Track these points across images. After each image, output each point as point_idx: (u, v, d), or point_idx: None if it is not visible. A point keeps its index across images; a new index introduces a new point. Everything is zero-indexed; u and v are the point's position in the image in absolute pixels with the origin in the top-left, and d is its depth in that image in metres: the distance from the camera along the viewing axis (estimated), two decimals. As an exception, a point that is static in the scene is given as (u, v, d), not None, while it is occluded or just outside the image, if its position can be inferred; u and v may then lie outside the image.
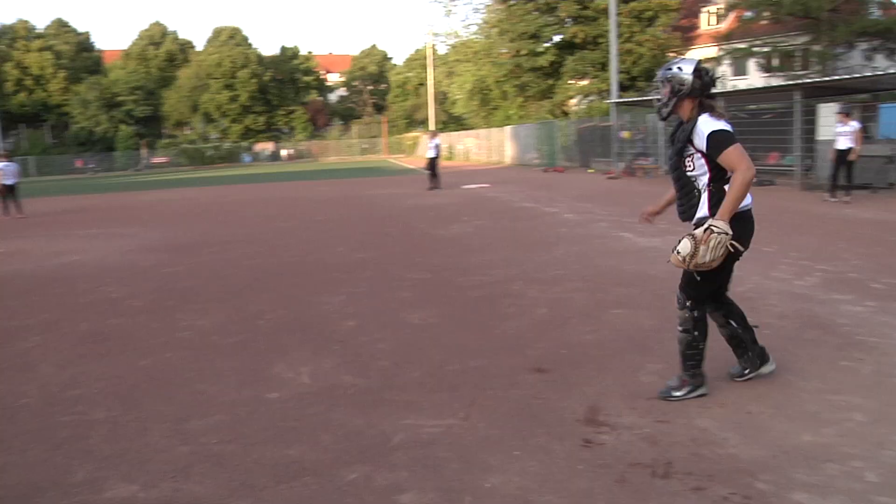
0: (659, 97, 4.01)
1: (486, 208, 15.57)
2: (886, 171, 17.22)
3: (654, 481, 3.08)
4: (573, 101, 41.89)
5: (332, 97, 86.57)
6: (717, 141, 3.70)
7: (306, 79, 77.86)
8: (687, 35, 41.28)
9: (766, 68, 35.58)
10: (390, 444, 3.57)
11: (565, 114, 40.21)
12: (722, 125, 3.73)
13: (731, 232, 3.65)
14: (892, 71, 20.12)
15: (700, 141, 3.75)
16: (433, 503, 3.00)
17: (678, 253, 3.82)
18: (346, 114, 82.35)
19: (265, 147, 72.13)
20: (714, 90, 3.91)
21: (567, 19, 37.60)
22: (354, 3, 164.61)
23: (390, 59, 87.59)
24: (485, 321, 5.93)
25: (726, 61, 36.59)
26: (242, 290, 7.63)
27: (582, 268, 8.22)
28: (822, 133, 18.67)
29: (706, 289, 4.00)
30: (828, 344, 4.92)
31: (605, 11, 34.92)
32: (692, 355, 4.01)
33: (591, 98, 39.53)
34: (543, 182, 24.14)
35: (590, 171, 30.10)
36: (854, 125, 14.81)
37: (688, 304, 4.00)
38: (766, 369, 4.26)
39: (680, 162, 3.93)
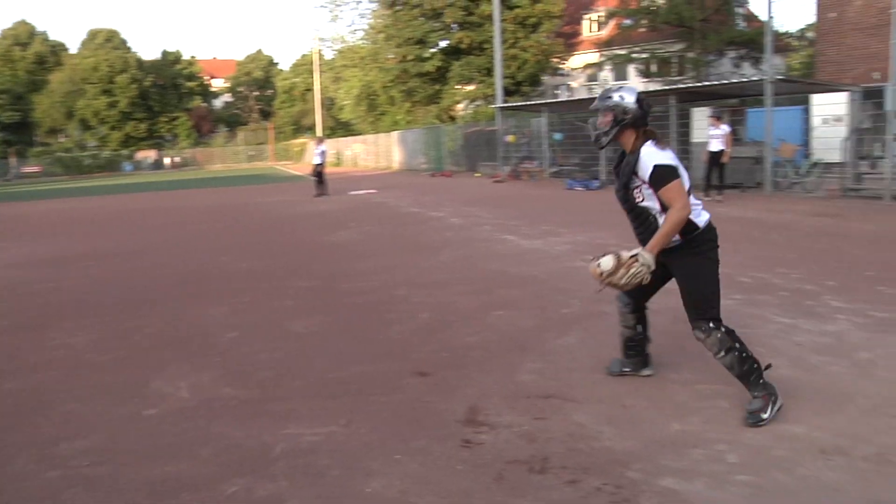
0: (597, 127, 3.96)
1: (372, 214, 15.57)
2: (754, 171, 18.18)
3: (531, 477, 3.17)
4: (460, 106, 42.35)
5: (217, 103, 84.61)
6: (660, 175, 3.70)
7: (190, 84, 75.66)
8: (569, 41, 42.39)
9: (645, 74, 37.03)
10: (271, 455, 3.53)
11: (452, 119, 40.61)
12: (667, 159, 3.75)
13: (653, 266, 3.71)
14: (756, 78, 21.25)
15: (644, 173, 3.75)
16: (313, 512, 2.99)
17: (598, 266, 3.84)
18: (232, 120, 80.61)
19: (147, 155, 69.51)
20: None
21: (453, 25, 37.99)
22: (239, 8, 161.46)
23: (276, 64, 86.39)
24: (369, 327, 5.93)
25: (607, 67, 37.87)
26: (120, 304, 7.36)
27: (466, 271, 8.33)
28: (696, 136, 19.56)
29: (717, 302, 3.90)
30: (697, 337, 5.15)
31: (490, 17, 35.49)
32: (749, 368, 3.80)
33: (477, 103, 40.06)
34: (431, 187, 24.32)
35: (476, 175, 30.50)
36: (725, 128, 15.57)
37: (711, 325, 3.82)
38: (645, 372, 4.41)
39: (628, 194, 3.91)
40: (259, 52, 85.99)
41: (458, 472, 3.25)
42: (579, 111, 26.03)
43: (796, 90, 22.29)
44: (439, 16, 38.67)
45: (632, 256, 3.75)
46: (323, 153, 21.66)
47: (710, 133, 15.98)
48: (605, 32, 39.32)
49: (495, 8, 28.55)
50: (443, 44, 39.57)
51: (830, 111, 21.09)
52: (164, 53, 74.56)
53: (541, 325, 5.76)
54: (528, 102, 28.02)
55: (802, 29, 43.95)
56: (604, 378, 4.41)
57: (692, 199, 3.78)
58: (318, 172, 21.37)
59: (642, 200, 3.86)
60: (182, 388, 4.58)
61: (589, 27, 44.09)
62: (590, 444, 3.49)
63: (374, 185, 25.83)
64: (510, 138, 27.76)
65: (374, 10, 52.84)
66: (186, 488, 3.23)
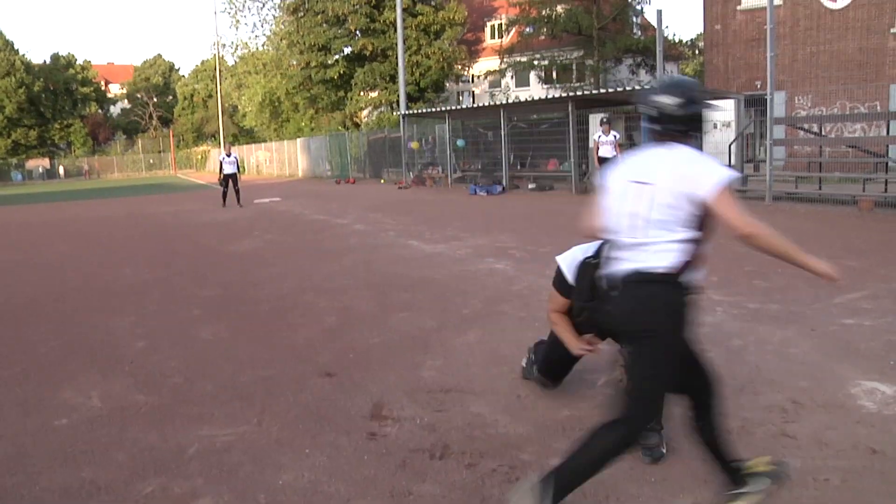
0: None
1: (277, 222, 15.60)
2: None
3: (433, 462, 3.44)
4: (364, 113, 42.44)
5: (114, 110, 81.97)
6: None
7: (84, 90, 72.48)
8: (472, 48, 43.02)
9: (546, 80, 37.98)
10: (185, 456, 3.68)
11: (356, 125, 40.67)
12: None
13: None
14: (648, 86, 22.20)
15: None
16: (227, 504, 3.17)
17: None
18: (130, 127, 78.06)
19: (39, 164, 66.53)
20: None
21: (356, 32, 38.06)
22: (135, 12, 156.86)
23: (177, 69, 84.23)
24: (275, 332, 6.09)
25: (509, 73, 38.66)
26: (22, 317, 7.28)
27: (370, 276, 8.56)
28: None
29: None
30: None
31: (393, 25, 35.77)
32: None
33: (381, 109, 40.24)
34: (335, 194, 24.41)
35: (381, 181, 30.72)
36: (615, 135, 16.26)
37: None
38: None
39: None
40: (158, 56, 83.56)
41: (365, 461, 3.49)
42: (482, 118, 26.61)
43: (687, 97, 23.28)
44: (343, 22, 38.66)
45: None
46: (235, 161, 20.64)
47: (600, 139, 16.65)
48: (507, 40, 40.10)
49: (398, 16, 28.85)
50: (346, 50, 39.60)
51: (720, 117, 22.21)
52: (56, 57, 71.07)
53: (442, 324, 6.05)
54: (432, 110, 28.38)
55: (694, 39, 46.02)
56: (501, 372, 4.72)
57: None
58: (226, 181, 20.21)
59: None
60: (93, 397, 4.65)
61: (491, 34, 44.83)
62: (486, 431, 3.78)
63: (278, 194, 25.71)
64: (414, 145, 28.09)
65: (276, 16, 52.54)
66: (102, 491, 3.35)
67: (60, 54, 71.70)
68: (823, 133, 19.98)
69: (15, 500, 3.33)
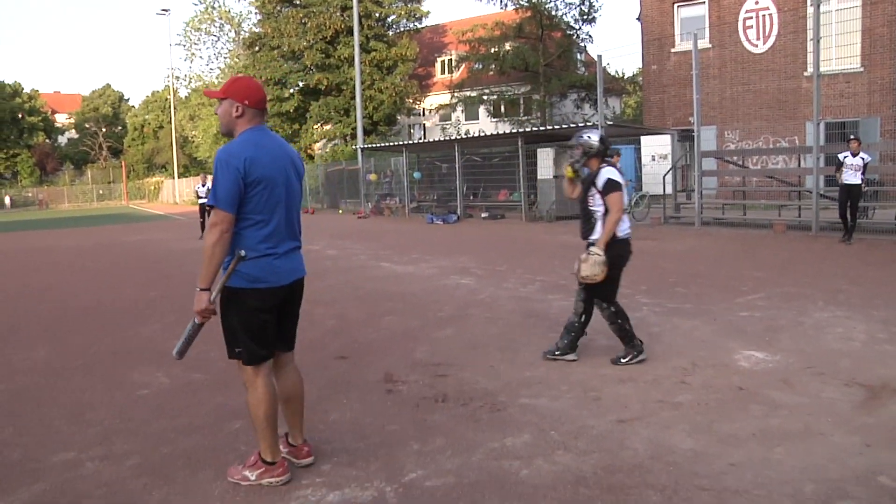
0: (572, 156, 5.72)
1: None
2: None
3: (437, 404, 4.84)
4: (318, 145, 43.73)
5: (62, 139, 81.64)
6: (609, 186, 5.45)
7: (31, 119, 72.06)
8: (423, 83, 44.76)
9: (495, 114, 39.82)
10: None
11: (311, 157, 41.94)
12: (617, 177, 5.51)
13: (603, 255, 5.41)
14: (591, 123, 24.05)
15: (599, 184, 5.49)
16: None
17: (575, 271, 5.58)
18: (79, 158, 77.82)
19: (-17, 194, 65.87)
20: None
21: (312, 67, 39.44)
22: (83, 41, 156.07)
23: (126, 100, 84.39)
24: (290, 331, 7.41)
25: (459, 107, 40.43)
26: (59, 328, 8.43)
27: (353, 291, 9.92)
28: (542, 173, 21.99)
29: (608, 291, 5.57)
30: (542, 325, 7.05)
31: (347, 60, 37.33)
32: (626, 334, 5.59)
33: (335, 142, 41.58)
34: (300, 222, 25.58)
35: (339, 211, 32.02)
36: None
37: (603, 305, 5.60)
38: (569, 357, 5.76)
39: (585, 198, 5.63)
40: (107, 86, 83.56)
41: (388, 405, 4.88)
42: (437, 151, 28.21)
43: (626, 132, 25.29)
44: (298, 57, 40.07)
45: (586, 253, 5.49)
46: (209, 191, 20.88)
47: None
48: (457, 75, 41.89)
49: (356, 53, 30.38)
50: (301, 84, 40.95)
51: (657, 150, 24.22)
52: (1, 85, 70.10)
53: (423, 324, 7.46)
54: (390, 144, 29.94)
55: (635, 74, 48.50)
56: (476, 353, 6.14)
57: (624, 218, 5.54)
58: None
59: (592, 205, 5.60)
60: (159, 377, 5.92)
61: (441, 70, 46.59)
62: (471, 386, 5.19)
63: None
64: (372, 177, 29.54)
65: (231, 50, 53.77)
66: (198, 431, 4.64)
67: (6, 83, 71.15)
68: (751, 165, 22.02)
69: (139, 437, 4.57)
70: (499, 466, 3.81)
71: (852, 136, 13.40)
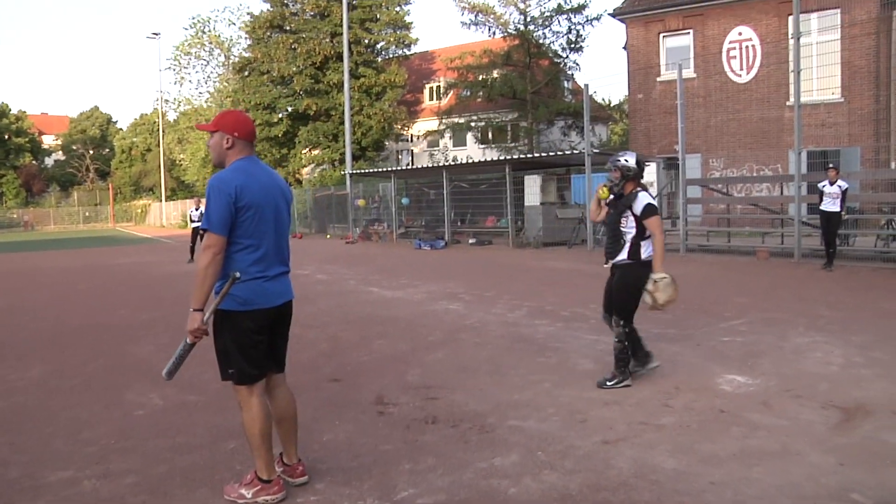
0: (610, 179, 5.91)
1: (243, 271, 16.84)
2: (578, 230, 20.94)
3: (428, 426, 4.97)
4: (306, 170, 43.91)
5: (49, 161, 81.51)
6: (648, 211, 5.62)
7: (18, 140, 72.10)
8: (412, 109, 45.10)
9: (482, 141, 40.19)
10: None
11: (299, 182, 42.09)
12: (654, 201, 5.74)
13: (667, 275, 5.59)
14: (577, 151, 24.37)
15: (637, 207, 5.66)
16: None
17: (648, 303, 5.71)
18: (66, 179, 77.75)
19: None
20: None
21: (301, 92, 39.69)
22: (71, 62, 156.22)
23: (114, 122, 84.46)
24: (282, 354, 7.53)
25: (447, 134, 40.76)
26: (55, 346, 8.51)
27: (344, 315, 10.04)
28: (529, 200, 22.24)
29: (629, 309, 5.77)
30: (530, 349, 7.20)
31: (336, 85, 37.61)
32: (623, 358, 5.77)
33: (323, 167, 41.76)
34: (288, 246, 25.67)
35: (327, 236, 32.15)
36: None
37: (621, 321, 5.76)
38: (651, 364, 5.97)
39: (618, 220, 5.81)
40: (95, 108, 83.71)
41: (380, 426, 5.01)
42: (425, 177, 28.45)
43: (612, 160, 25.49)
44: (288, 83, 40.34)
45: (653, 282, 5.62)
46: (202, 214, 20.42)
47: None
48: (445, 102, 42.25)
49: (346, 80, 30.68)
50: (290, 109, 41.18)
51: (643, 178, 24.42)
52: (-12, 106, 70.46)
53: (414, 348, 7.60)
54: (379, 169, 30.19)
55: (622, 101, 49.04)
56: (466, 376, 6.28)
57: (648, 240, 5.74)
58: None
59: (624, 226, 5.78)
60: (154, 398, 6.02)
61: (430, 96, 46.97)
62: (461, 408, 5.33)
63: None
64: (361, 202, 29.72)
65: (220, 74, 54.06)
66: (196, 449, 4.75)
67: (-7, 104, 71.27)
68: (735, 192, 22.35)
69: (136, 455, 4.67)
70: (488, 485, 3.95)
71: (830, 165, 13.73)
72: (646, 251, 5.73)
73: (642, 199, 5.70)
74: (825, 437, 4.50)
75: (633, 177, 5.83)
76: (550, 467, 4.17)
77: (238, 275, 3.65)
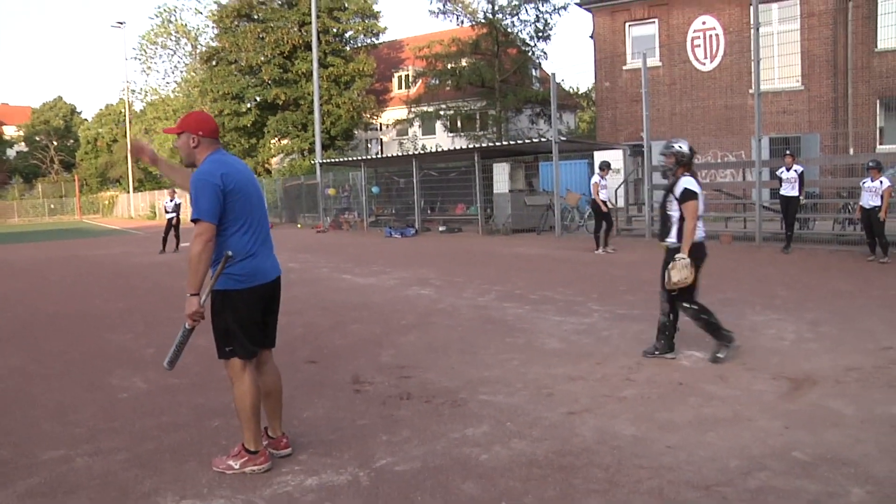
0: (664, 164, 6.18)
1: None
2: (546, 216, 21.26)
3: (403, 402, 5.24)
4: (275, 160, 43.82)
5: (10, 152, 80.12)
6: (686, 195, 5.89)
7: (-22, 132, 71.02)
8: (381, 98, 45.11)
9: (451, 129, 40.40)
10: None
11: (269, 172, 41.99)
12: (694, 187, 5.91)
13: (687, 258, 5.82)
14: (545, 139, 24.66)
15: (677, 192, 5.94)
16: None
17: (667, 280, 5.91)
18: (29, 171, 76.46)
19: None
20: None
21: (269, 82, 39.55)
22: (32, 51, 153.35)
23: (79, 113, 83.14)
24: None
25: (416, 122, 40.90)
26: (35, 334, 8.62)
27: (319, 301, 10.26)
28: (498, 187, 22.52)
29: (688, 290, 5.96)
30: (499, 330, 7.50)
31: (305, 75, 37.56)
32: (713, 328, 6.00)
33: (292, 157, 41.70)
34: (260, 236, 25.73)
35: (298, 226, 32.19)
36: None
37: (685, 304, 6.00)
38: (668, 355, 6.13)
39: (665, 203, 6.09)
40: (59, 99, 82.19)
41: (356, 403, 5.27)
42: (395, 166, 28.62)
43: (579, 147, 25.96)
44: (256, 72, 40.16)
45: (673, 260, 5.86)
46: (177, 206, 20.17)
47: (601, 182, 16.86)
48: (414, 90, 42.37)
49: (315, 70, 30.69)
50: (259, 99, 41.04)
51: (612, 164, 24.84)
52: (-55, 97, 69.19)
53: (387, 331, 7.85)
54: (348, 159, 30.30)
55: (589, 89, 49.45)
56: (437, 356, 6.55)
57: (700, 224, 5.99)
58: (170, 228, 20.01)
59: (670, 210, 6.07)
60: (137, 382, 6.22)
61: (398, 85, 47.01)
62: (434, 385, 5.60)
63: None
64: (331, 191, 29.81)
65: (188, 64, 53.63)
66: (183, 427, 4.96)
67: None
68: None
69: (124, 434, 4.86)
70: (461, 453, 4.22)
71: (787, 152, 14.19)
72: (697, 233, 5.97)
73: (682, 184, 5.99)
74: (774, 405, 4.84)
75: (687, 162, 6.11)
76: (519, 436, 4.45)
77: (230, 254, 3.89)
